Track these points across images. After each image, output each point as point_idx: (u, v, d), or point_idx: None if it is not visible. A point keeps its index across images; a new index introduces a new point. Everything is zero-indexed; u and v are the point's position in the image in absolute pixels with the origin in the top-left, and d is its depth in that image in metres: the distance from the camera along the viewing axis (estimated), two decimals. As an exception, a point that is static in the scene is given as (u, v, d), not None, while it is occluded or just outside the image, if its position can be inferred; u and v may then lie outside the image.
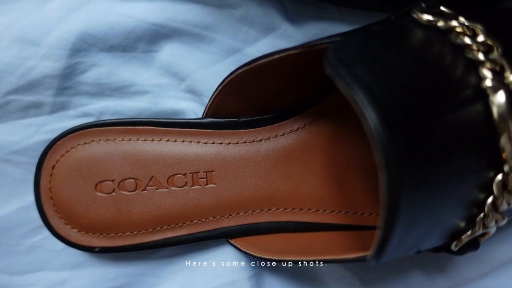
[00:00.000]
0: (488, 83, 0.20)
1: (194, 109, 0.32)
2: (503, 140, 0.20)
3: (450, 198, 0.20)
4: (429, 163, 0.18)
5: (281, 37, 0.30)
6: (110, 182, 0.29)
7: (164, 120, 0.30)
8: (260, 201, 0.30)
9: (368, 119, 0.17)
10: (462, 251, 0.23)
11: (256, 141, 0.30)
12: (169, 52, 0.31)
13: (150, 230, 0.30)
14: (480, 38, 0.21)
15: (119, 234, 0.30)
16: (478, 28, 0.21)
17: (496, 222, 0.22)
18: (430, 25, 0.22)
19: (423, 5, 0.23)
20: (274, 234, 0.30)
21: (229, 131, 0.30)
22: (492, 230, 0.23)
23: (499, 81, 0.20)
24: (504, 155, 0.20)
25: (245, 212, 0.30)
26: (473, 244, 0.23)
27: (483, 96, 0.20)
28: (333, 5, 0.30)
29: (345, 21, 0.30)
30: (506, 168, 0.20)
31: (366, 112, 0.17)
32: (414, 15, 0.23)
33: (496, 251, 0.30)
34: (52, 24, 0.30)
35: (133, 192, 0.29)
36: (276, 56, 0.24)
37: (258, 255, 0.28)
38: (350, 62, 0.19)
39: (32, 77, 0.30)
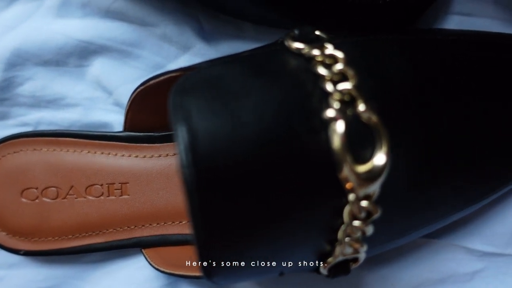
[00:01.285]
0: (329, 113, 0.20)
1: (121, 122, 0.33)
2: (345, 171, 0.20)
3: (296, 224, 0.20)
4: (254, 196, 0.19)
5: (197, 55, 0.31)
6: (35, 190, 0.31)
7: (85, 132, 0.31)
8: (171, 213, 0.31)
9: (178, 152, 0.17)
10: (332, 274, 0.24)
11: (170, 155, 0.31)
12: (98, 67, 0.33)
13: (69, 236, 0.31)
14: (337, 67, 0.21)
15: (42, 239, 0.31)
16: (339, 57, 0.22)
17: (355, 249, 0.22)
18: (298, 53, 0.22)
19: (296, 31, 0.23)
20: (183, 246, 0.31)
21: (145, 145, 0.31)
22: (361, 256, 0.23)
23: (342, 111, 0.20)
24: (348, 186, 0.20)
25: (157, 224, 0.31)
26: (343, 269, 0.23)
27: (326, 126, 0.20)
28: (251, 23, 0.31)
29: (261, 40, 0.31)
30: (351, 197, 0.20)
31: (177, 144, 0.17)
32: (285, 43, 0.23)
33: (407, 274, 0.30)
34: (-9, 40, 0.33)
35: (55, 200, 0.31)
36: (161, 78, 0.25)
37: (167, 271, 0.29)
38: (187, 91, 0.20)
39: (-27, 89, 0.33)
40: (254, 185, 0.19)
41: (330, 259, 0.23)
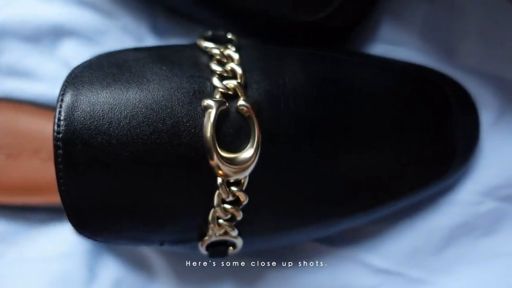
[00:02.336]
0: (206, 102, 0.22)
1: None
2: (215, 158, 0.22)
3: (167, 201, 0.23)
4: (122, 165, 0.21)
5: (148, 48, 0.34)
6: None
7: (41, 102, 0.35)
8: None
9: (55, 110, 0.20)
10: (210, 253, 0.26)
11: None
12: (68, 48, 0.37)
13: (17, 194, 0.35)
14: (230, 66, 0.24)
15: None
16: (234, 57, 0.24)
17: (226, 232, 0.24)
18: (205, 50, 0.25)
19: (209, 33, 0.26)
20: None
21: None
22: (237, 242, 0.25)
23: (219, 103, 0.22)
24: (220, 173, 0.22)
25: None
26: (220, 250, 0.26)
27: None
28: (203, 26, 0.34)
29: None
30: (219, 181, 0.23)
31: (57, 102, 0.21)
32: (197, 41, 0.26)
33: (304, 277, 0.32)
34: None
35: (6, 160, 0.35)
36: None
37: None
38: (91, 66, 0.23)
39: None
40: (123, 153, 0.21)
41: (206, 238, 0.25)
